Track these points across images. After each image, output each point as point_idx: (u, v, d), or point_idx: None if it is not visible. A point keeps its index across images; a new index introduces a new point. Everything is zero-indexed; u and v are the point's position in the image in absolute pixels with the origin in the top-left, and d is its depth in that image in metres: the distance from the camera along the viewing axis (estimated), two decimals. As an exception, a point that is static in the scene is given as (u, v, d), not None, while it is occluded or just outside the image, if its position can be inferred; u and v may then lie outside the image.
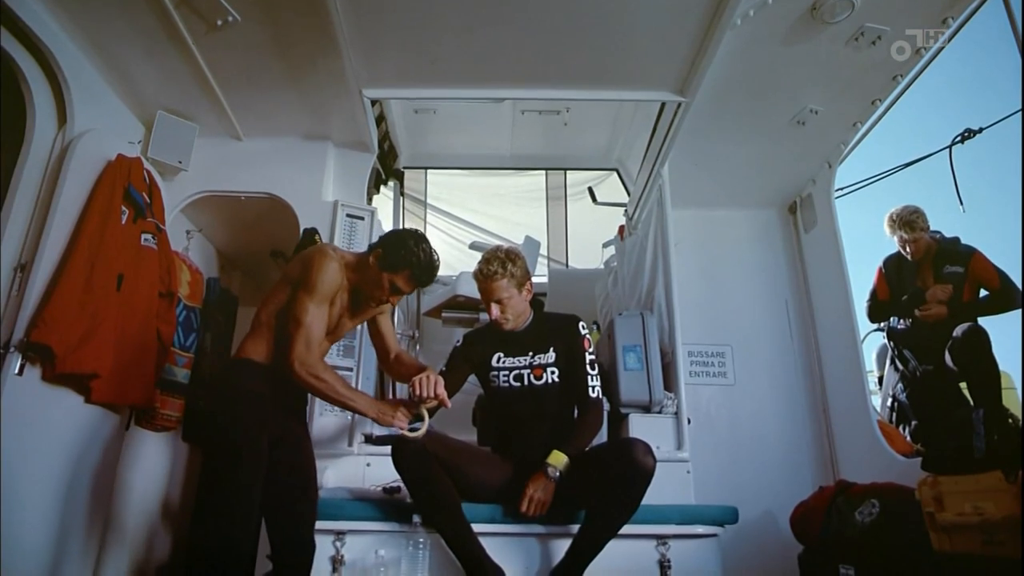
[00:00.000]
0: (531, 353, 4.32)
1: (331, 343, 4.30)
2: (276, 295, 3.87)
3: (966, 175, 5.70)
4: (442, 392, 3.86)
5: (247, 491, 3.52)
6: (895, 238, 5.89)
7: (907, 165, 6.42)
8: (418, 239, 4.01)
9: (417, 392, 3.81)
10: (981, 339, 5.29)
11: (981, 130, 5.58)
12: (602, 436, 4.51)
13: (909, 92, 5.46)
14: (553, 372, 4.27)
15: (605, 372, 4.47)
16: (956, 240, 5.82)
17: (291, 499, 3.79)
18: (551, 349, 4.31)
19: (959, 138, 5.66)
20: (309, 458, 3.99)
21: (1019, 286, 5.45)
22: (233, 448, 3.55)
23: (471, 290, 5.36)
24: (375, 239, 5.44)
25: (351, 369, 5.22)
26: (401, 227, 8.27)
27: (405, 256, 3.90)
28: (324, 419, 4.47)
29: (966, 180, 5.67)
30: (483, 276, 4.18)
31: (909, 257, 5.87)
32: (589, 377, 4.25)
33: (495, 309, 4.23)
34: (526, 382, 4.27)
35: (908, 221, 5.74)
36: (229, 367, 3.81)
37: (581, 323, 4.40)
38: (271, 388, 3.75)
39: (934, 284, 5.73)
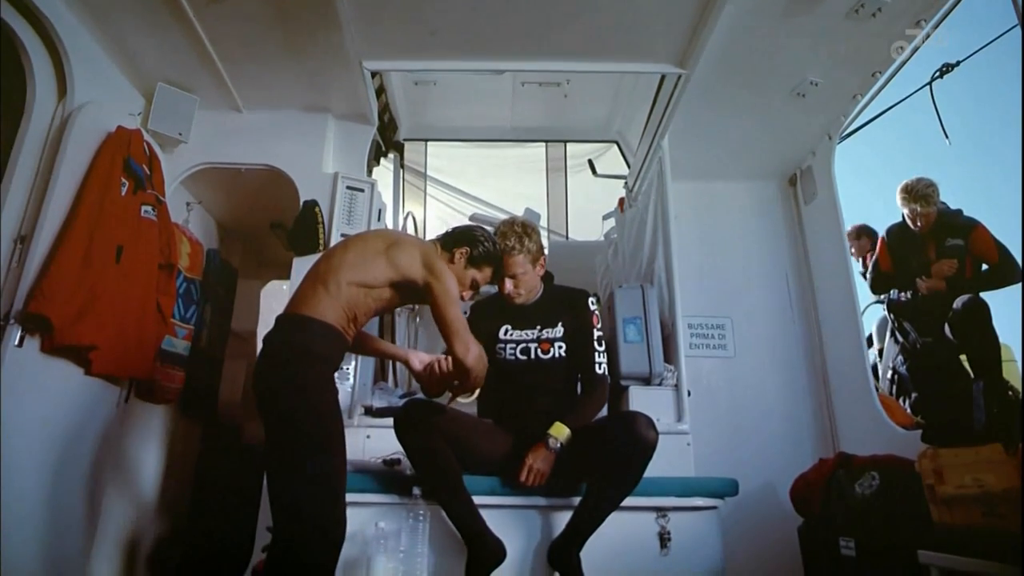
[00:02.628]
0: (539, 327, 4.34)
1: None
2: (359, 266, 3.66)
3: (949, 109, 5.70)
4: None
5: (342, 458, 3.45)
6: (906, 210, 5.91)
7: (891, 108, 6.40)
8: (487, 233, 4.09)
9: (441, 373, 3.80)
10: (981, 311, 5.31)
11: (958, 63, 5.57)
12: (602, 409, 4.51)
13: (909, 65, 5.47)
14: (560, 347, 4.29)
15: (605, 344, 4.48)
16: (959, 212, 5.85)
17: None
18: (560, 324, 4.33)
19: (937, 73, 5.64)
20: None
21: (1018, 259, 5.47)
22: (326, 421, 3.41)
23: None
24: (375, 211, 5.45)
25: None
26: (402, 200, 8.31)
27: (487, 251, 3.99)
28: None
29: (950, 114, 5.69)
30: (501, 251, 4.18)
31: (918, 230, 5.89)
32: (596, 353, 4.27)
33: (509, 284, 4.25)
34: (533, 355, 4.29)
35: (924, 195, 5.76)
36: (307, 328, 3.52)
37: (591, 299, 4.41)
38: (340, 356, 3.69)
39: (937, 256, 5.74)
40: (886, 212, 5.97)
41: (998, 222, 5.72)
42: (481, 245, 3.98)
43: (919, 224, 5.85)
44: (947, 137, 5.65)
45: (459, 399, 3.83)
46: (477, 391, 3.88)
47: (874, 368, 6.61)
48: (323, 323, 3.51)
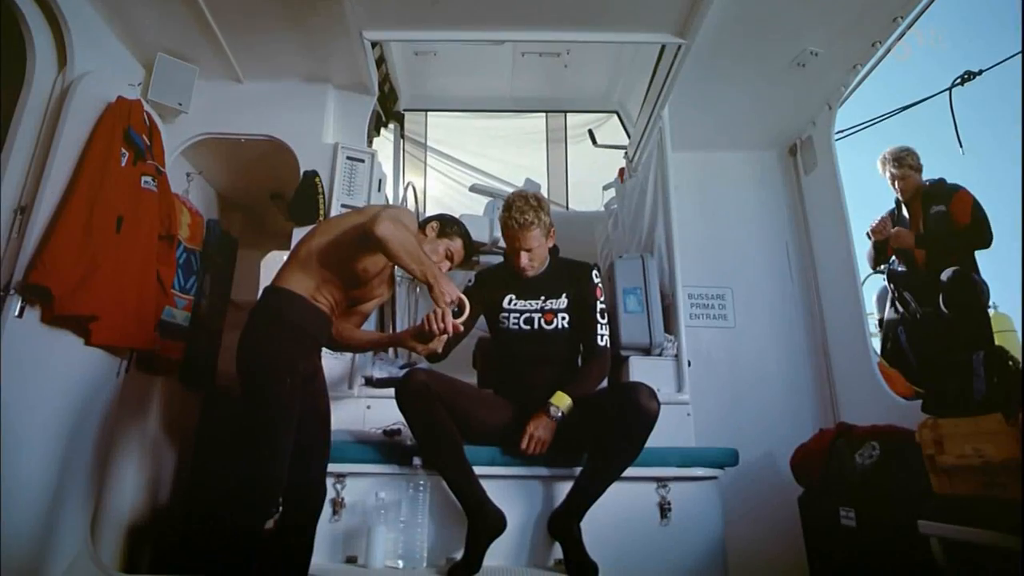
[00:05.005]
0: (543, 297, 4.36)
1: (362, 307, 4.31)
2: (325, 231, 3.85)
3: (966, 117, 5.69)
4: (451, 322, 3.73)
5: (282, 424, 3.48)
6: (886, 176, 6.01)
7: (906, 108, 6.42)
8: (454, 218, 4.39)
9: (429, 327, 3.69)
10: (966, 283, 5.32)
11: (981, 72, 5.57)
12: (604, 381, 4.52)
13: (908, 34, 5.43)
14: (564, 318, 4.32)
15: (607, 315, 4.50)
16: (942, 181, 5.87)
17: (312, 439, 3.77)
18: (563, 295, 4.35)
19: (959, 80, 5.64)
20: (328, 397, 3.98)
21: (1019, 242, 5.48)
22: (269, 380, 3.49)
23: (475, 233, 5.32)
24: (375, 182, 5.50)
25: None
26: (402, 171, 8.35)
27: (458, 228, 4.23)
28: (325, 362, 4.47)
29: (965, 122, 5.67)
30: (518, 225, 4.20)
31: (899, 195, 5.98)
32: (599, 325, 4.30)
33: (524, 257, 4.27)
34: (536, 326, 4.31)
35: (897, 157, 5.90)
36: (270, 296, 3.73)
37: (595, 271, 4.42)
38: (310, 323, 3.74)
39: (924, 225, 5.77)
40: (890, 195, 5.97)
41: (994, 194, 5.73)
42: (451, 223, 4.26)
43: (898, 187, 5.97)
44: (961, 146, 5.66)
45: (453, 320, 3.72)
46: (467, 311, 3.80)
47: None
48: (288, 291, 3.69)
